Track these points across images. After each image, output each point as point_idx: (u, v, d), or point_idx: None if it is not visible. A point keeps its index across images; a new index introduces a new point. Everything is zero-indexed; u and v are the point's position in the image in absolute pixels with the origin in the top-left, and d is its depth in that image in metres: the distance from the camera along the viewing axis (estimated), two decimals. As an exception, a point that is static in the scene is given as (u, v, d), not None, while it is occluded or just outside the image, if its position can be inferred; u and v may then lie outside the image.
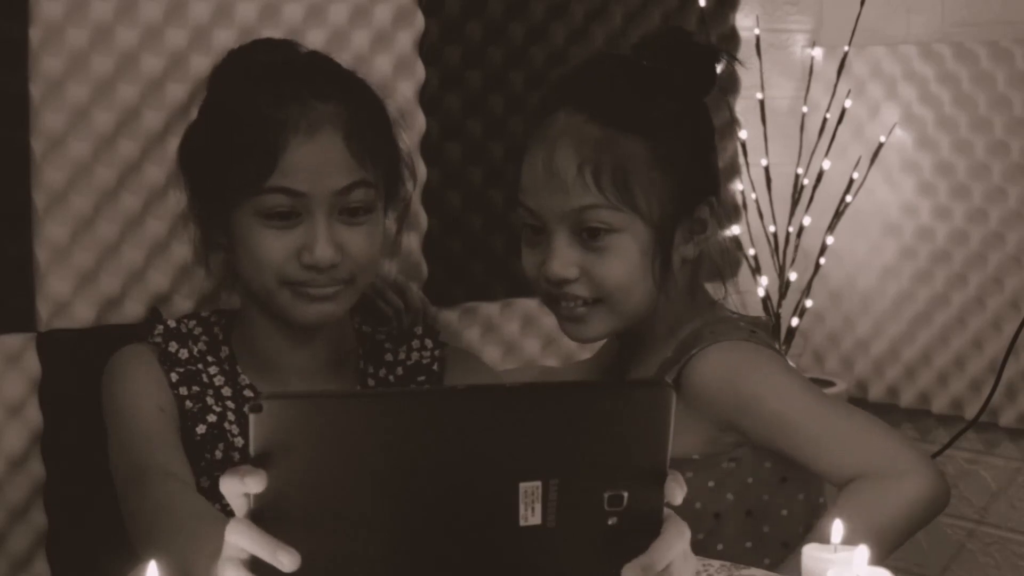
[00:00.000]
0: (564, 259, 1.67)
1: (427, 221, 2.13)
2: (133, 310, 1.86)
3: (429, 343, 1.77)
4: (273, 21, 1.94)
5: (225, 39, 1.88)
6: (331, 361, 1.70)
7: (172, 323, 1.69)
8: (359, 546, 0.99)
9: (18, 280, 1.78)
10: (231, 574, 1.00)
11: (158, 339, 1.67)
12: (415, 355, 1.75)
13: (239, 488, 0.98)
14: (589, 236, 1.66)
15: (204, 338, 1.69)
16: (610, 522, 1.01)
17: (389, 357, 1.75)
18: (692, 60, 1.73)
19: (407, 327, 1.88)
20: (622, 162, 1.64)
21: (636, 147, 1.65)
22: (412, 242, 2.11)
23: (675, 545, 1.05)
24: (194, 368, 1.66)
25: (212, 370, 1.67)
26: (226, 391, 1.66)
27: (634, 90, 1.69)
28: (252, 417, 0.95)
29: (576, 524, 1.01)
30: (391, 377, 1.73)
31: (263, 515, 0.98)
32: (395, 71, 2.07)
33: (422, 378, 1.73)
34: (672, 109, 1.70)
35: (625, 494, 1.01)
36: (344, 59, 1.99)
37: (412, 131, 2.09)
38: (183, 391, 1.64)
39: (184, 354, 1.66)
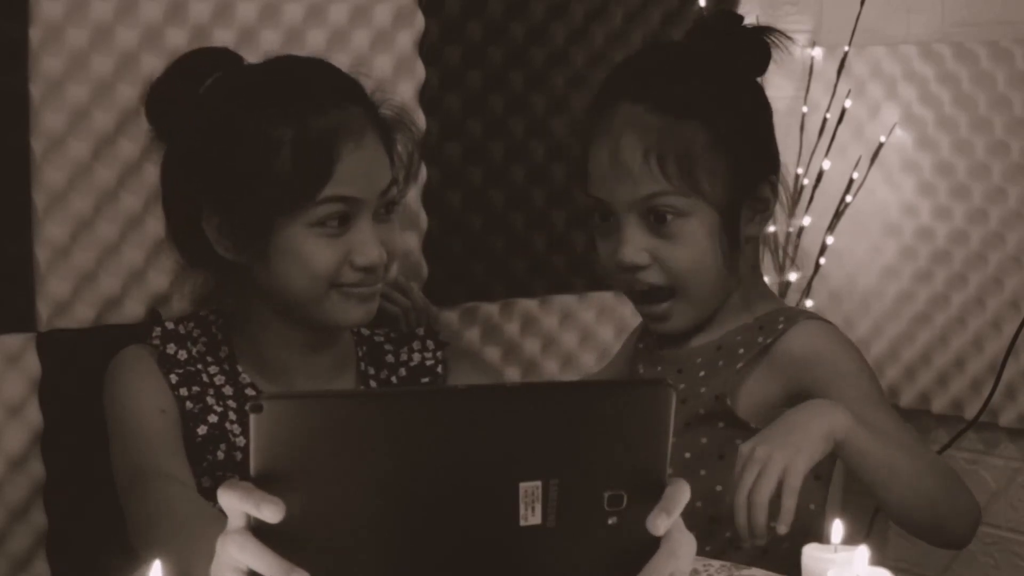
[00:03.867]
0: (635, 245, 1.72)
1: (427, 221, 2.13)
2: (133, 310, 1.86)
3: (431, 344, 1.77)
4: (273, 21, 1.94)
5: (225, 39, 1.88)
6: (333, 364, 1.70)
7: (170, 325, 1.69)
8: (359, 545, 0.99)
9: (18, 280, 1.78)
10: None
11: (156, 341, 1.67)
12: (417, 356, 1.75)
13: (248, 509, 0.97)
14: (657, 221, 1.71)
15: (203, 339, 1.69)
16: (610, 522, 1.01)
17: (390, 359, 1.75)
18: (744, 41, 1.77)
19: (413, 326, 1.88)
20: (684, 148, 1.69)
21: (696, 132, 1.70)
22: (412, 242, 2.11)
23: (666, 567, 1.04)
24: (193, 369, 1.65)
25: (212, 370, 1.67)
26: (227, 390, 1.66)
27: (688, 76, 1.73)
28: (252, 417, 0.95)
29: (576, 524, 1.01)
30: (393, 378, 1.73)
31: (263, 521, 0.97)
32: (395, 71, 2.07)
33: (426, 379, 1.73)
34: (727, 91, 1.74)
35: (625, 494, 1.01)
36: (344, 59, 2.00)
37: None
38: (183, 392, 1.63)
39: (183, 355, 1.66)
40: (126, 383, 1.64)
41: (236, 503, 0.98)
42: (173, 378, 1.64)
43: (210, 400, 1.64)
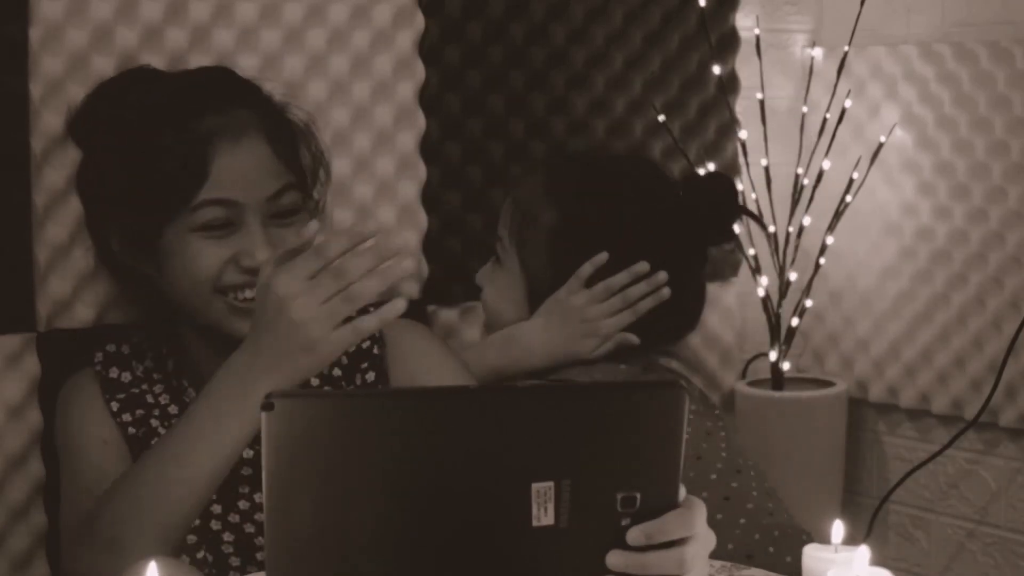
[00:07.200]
0: None
1: (427, 221, 2.12)
2: (133, 310, 1.86)
3: None
4: (273, 21, 1.94)
5: (225, 39, 1.88)
6: None
7: (111, 348, 1.68)
8: (371, 543, 0.99)
9: (18, 280, 1.78)
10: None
11: (99, 367, 1.66)
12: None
13: None
14: None
15: (150, 353, 1.68)
16: (623, 523, 1.01)
17: None
18: None
19: None
20: None
21: None
22: (412, 241, 2.11)
23: (687, 522, 1.04)
24: (137, 391, 1.64)
25: (157, 389, 1.65)
26: (172, 409, 1.64)
27: None
28: (264, 415, 0.95)
29: (589, 525, 1.01)
30: (336, 370, 1.70)
31: (274, 512, 0.97)
32: (395, 71, 2.06)
33: (364, 364, 1.70)
34: None
35: (638, 495, 1.01)
36: (344, 59, 2.00)
37: (412, 131, 2.09)
38: (126, 418, 1.63)
39: (127, 377, 1.65)
40: (71, 416, 1.64)
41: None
42: (115, 405, 1.63)
43: (154, 422, 1.63)
